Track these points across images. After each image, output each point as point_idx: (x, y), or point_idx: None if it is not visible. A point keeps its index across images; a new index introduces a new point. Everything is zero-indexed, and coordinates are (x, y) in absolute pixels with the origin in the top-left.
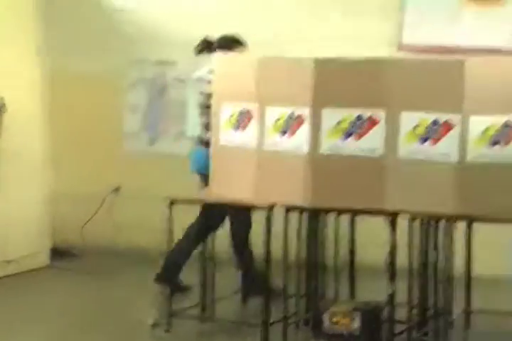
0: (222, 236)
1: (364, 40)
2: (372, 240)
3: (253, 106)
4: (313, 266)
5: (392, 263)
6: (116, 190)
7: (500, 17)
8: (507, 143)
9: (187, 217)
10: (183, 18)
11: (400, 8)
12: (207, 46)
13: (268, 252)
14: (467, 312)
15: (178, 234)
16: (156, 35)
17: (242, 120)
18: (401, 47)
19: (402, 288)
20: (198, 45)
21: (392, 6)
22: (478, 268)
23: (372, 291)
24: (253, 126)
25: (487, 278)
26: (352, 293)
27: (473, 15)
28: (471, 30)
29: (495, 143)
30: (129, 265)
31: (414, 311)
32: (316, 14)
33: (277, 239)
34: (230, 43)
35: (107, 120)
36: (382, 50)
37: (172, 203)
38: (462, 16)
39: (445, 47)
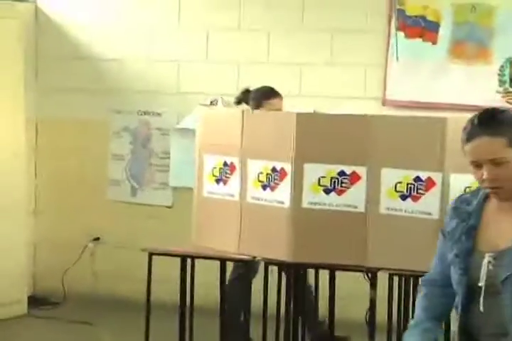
0: None
1: (349, 92)
2: (353, 294)
3: (236, 159)
4: (292, 320)
5: (371, 320)
6: (98, 238)
7: (486, 75)
8: None
9: (166, 267)
10: (170, 69)
11: (385, 62)
12: (246, 97)
13: (248, 305)
14: None
15: (158, 285)
16: (141, 85)
17: (225, 172)
18: (385, 102)
19: None
20: (238, 96)
21: (377, 60)
22: None
23: None
24: (236, 179)
25: None
26: None
27: (459, 72)
28: (456, 86)
29: None
30: (109, 314)
31: None
32: (300, 66)
33: (258, 292)
34: (266, 94)
35: (91, 168)
36: (367, 104)
37: (151, 255)
38: (448, 72)
39: (429, 104)
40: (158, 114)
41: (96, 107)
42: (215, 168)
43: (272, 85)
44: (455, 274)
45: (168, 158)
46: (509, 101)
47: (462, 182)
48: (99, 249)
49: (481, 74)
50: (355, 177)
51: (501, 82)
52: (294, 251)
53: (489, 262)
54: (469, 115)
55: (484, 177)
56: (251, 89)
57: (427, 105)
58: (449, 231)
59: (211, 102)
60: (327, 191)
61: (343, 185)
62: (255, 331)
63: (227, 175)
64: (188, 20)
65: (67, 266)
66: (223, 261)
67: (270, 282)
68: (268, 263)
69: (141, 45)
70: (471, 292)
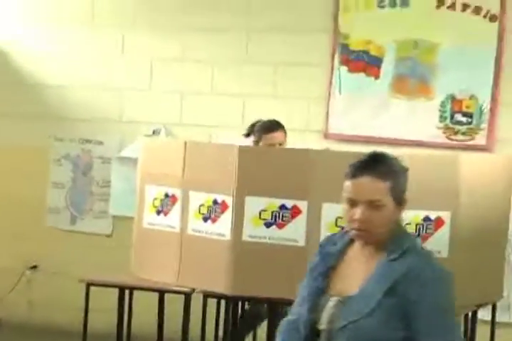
0: None
1: (292, 125)
2: None
3: (178, 191)
4: None
5: None
6: (35, 266)
7: (427, 110)
8: (425, 238)
9: (104, 297)
10: (113, 98)
11: (328, 95)
12: (253, 129)
13: (185, 337)
14: None
15: (95, 314)
16: (84, 113)
17: (166, 204)
18: (327, 135)
19: None
20: (247, 129)
21: (321, 93)
22: None
23: None
24: (177, 210)
25: None
26: None
27: (400, 107)
28: (397, 121)
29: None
30: None
31: None
32: (244, 98)
33: (197, 325)
34: (266, 128)
35: (31, 195)
36: (310, 137)
37: (89, 285)
38: (390, 107)
39: (371, 138)
40: (100, 143)
41: (37, 134)
42: (156, 198)
43: (215, 116)
44: (303, 312)
45: (109, 186)
46: (450, 137)
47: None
48: (36, 277)
49: (422, 109)
50: (296, 211)
51: (442, 118)
52: (234, 283)
53: (334, 306)
54: (410, 150)
55: (356, 217)
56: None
57: (369, 139)
58: (311, 268)
59: (154, 131)
60: (268, 224)
61: (284, 218)
62: None
63: (168, 207)
64: (132, 49)
65: (3, 293)
66: (162, 293)
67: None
68: (207, 295)
69: (85, 73)
70: (313, 334)
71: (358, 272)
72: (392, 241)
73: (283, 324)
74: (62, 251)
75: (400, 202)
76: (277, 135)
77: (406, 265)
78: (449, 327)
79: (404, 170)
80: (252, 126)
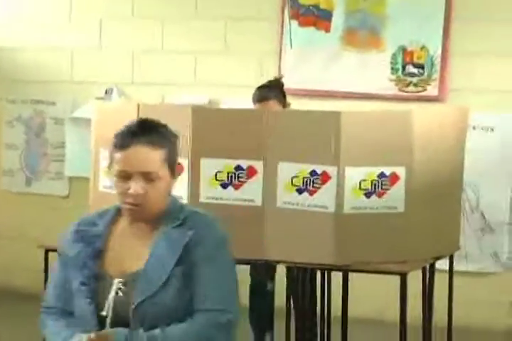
0: None
1: (244, 81)
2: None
3: None
4: None
5: (271, 312)
6: None
7: (379, 62)
8: (381, 194)
9: None
10: (64, 58)
11: (280, 50)
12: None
13: None
14: None
15: None
16: (35, 74)
17: None
18: None
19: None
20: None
21: (272, 48)
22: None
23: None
24: None
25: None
26: None
27: (351, 60)
28: (349, 74)
29: (370, 194)
30: (2, 305)
31: None
32: (195, 54)
33: None
34: (257, 97)
35: None
36: None
37: (48, 251)
38: (341, 60)
39: (323, 92)
40: (53, 103)
41: None
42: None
43: (167, 74)
44: (82, 304)
45: (64, 147)
46: (402, 89)
47: (357, 175)
48: None
49: (373, 62)
50: (252, 172)
51: (393, 70)
52: None
53: (119, 289)
54: (362, 105)
55: (130, 191)
56: (279, 79)
57: (321, 93)
58: (73, 257)
59: (106, 91)
60: (224, 185)
61: (240, 179)
62: None
63: None
64: (80, 9)
65: None
66: None
67: None
68: None
69: (35, 35)
70: (100, 323)
71: (136, 248)
72: (169, 212)
73: (43, 314)
74: (19, 213)
75: (173, 172)
76: (269, 105)
77: (190, 230)
78: (227, 293)
79: (176, 138)
80: (269, 82)
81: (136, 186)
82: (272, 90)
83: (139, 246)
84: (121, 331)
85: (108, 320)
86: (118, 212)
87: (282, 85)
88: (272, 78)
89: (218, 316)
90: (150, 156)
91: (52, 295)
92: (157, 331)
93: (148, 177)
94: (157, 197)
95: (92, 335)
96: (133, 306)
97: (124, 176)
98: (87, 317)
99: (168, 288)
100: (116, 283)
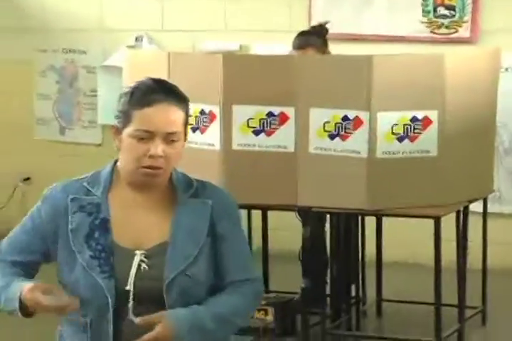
0: None
1: (274, 26)
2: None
3: None
4: None
5: (305, 258)
6: (27, 179)
7: (409, 5)
8: (413, 139)
9: None
10: (93, 6)
11: None
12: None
13: None
14: (379, 301)
15: None
16: (65, 23)
17: None
18: None
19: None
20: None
21: None
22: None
23: (287, 279)
24: None
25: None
26: (265, 281)
27: (382, 3)
28: (380, 17)
29: (402, 138)
30: None
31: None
32: (224, 1)
33: None
34: (297, 45)
35: (18, 108)
36: (291, 38)
37: None
38: (371, 3)
39: (355, 35)
40: (84, 52)
41: (19, 46)
42: None
43: (197, 20)
44: (96, 280)
45: (96, 96)
46: (433, 31)
47: (389, 120)
48: (30, 189)
49: (404, 4)
50: (283, 118)
51: (425, 12)
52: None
53: (142, 261)
54: (394, 47)
55: (153, 152)
56: (323, 25)
57: (353, 37)
58: (74, 229)
59: (136, 38)
60: (256, 132)
61: (272, 126)
62: None
63: None
64: None
65: None
66: None
67: None
68: None
69: None
70: (120, 299)
71: (150, 219)
72: (178, 180)
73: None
74: (54, 162)
75: (186, 136)
76: (307, 52)
77: (210, 199)
78: (252, 262)
79: (189, 101)
80: (313, 28)
81: (158, 148)
82: (311, 37)
83: (154, 217)
84: (182, 314)
85: (131, 296)
86: (111, 177)
87: (326, 32)
88: (316, 24)
89: (259, 285)
90: (176, 115)
91: (13, 248)
92: (214, 308)
93: (171, 138)
94: (176, 160)
95: (140, 320)
96: (167, 281)
97: (145, 137)
98: (102, 293)
99: (199, 261)
100: (139, 255)
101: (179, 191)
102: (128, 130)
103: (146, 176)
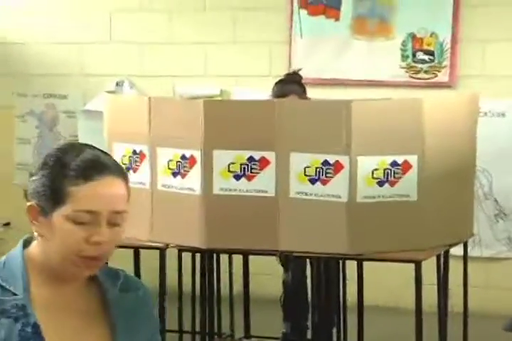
0: None
1: (254, 71)
2: (268, 272)
3: (145, 147)
4: (208, 303)
5: (286, 303)
6: (7, 224)
7: (389, 50)
8: (393, 183)
9: None
10: (74, 51)
11: (290, 39)
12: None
13: (163, 291)
14: None
15: None
16: (46, 68)
17: (135, 161)
18: None
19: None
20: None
21: (282, 38)
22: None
23: (268, 324)
24: (146, 167)
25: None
26: (247, 327)
27: (361, 48)
28: (359, 62)
29: (383, 183)
30: None
31: None
32: (205, 45)
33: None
34: (279, 93)
35: None
36: (274, 82)
37: None
38: (351, 48)
39: (334, 80)
40: (64, 97)
41: (0, 92)
42: (124, 156)
43: (177, 66)
44: None
45: (77, 140)
46: (412, 75)
47: (369, 164)
48: (9, 235)
49: (383, 49)
50: (264, 163)
51: (404, 57)
52: (207, 237)
53: None
54: (374, 92)
55: (98, 239)
56: (297, 72)
57: (332, 82)
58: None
59: (117, 83)
60: (237, 177)
61: (253, 170)
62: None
63: (137, 164)
64: (89, 2)
65: None
66: (136, 249)
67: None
68: (181, 250)
69: (43, 28)
70: None
71: (85, 323)
72: (102, 269)
73: None
74: None
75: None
76: (291, 99)
77: (137, 291)
78: None
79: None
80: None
81: (104, 232)
82: (291, 85)
83: (88, 319)
84: None
85: None
86: (25, 267)
87: (300, 78)
88: (290, 71)
89: None
90: (123, 190)
91: None
92: None
93: (117, 219)
94: (116, 245)
95: None
96: None
97: (86, 220)
98: None
99: None
100: None
101: (106, 284)
102: (62, 211)
103: (82, 268)
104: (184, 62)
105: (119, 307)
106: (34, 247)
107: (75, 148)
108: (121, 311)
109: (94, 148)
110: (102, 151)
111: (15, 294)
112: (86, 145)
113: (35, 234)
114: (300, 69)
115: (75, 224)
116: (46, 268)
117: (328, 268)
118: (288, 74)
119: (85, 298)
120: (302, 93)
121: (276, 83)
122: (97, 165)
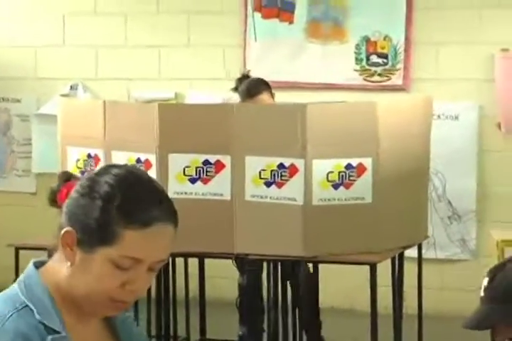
0: None
1: (209, 74)
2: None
3: (100, 151)
4: (162, 305)
5: (242, 306)
6: None
7: (343, 53)
8: (348, 186)
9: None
10: (27, 55)
11: (244, 43)
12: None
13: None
14: None
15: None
16: None
17: (90, 164)
18: None
19: None
20: (236, 83)
21: (236, 41)
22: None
23: (224, 327)
24: None
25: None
26: (202, 330)
27: (316, 51)
28: (314, 65)
29: (338, 185)
30: None
31: None
32: (159, 49)
33: None
34: (249, 92)
35: None
36: (228, 85)
37: (18, 249)
38: (305, 51)
39: (289, 83)
40: (18, 100)
41: None
42: (79, 160)
43: (131, 69)
44: None
45: (30, 144)
46: (366, 78)
47: (324, 167)
48: None
49: (337, 52)
50: (219, 166)
51: (358, 60)
52: None
53: None
54: (328, 95)
55: (136, 288)
56: (248, 74)
57: (287, 85)
58: None
59: (71, 87)
60: (193, 180)
61: (209, 174)
62: None
63: (92, 167)
64: (43, 5)
65: None
66: None
67: None
68: None
69: None
70: None
71: None
72: None
73: None
74: None
75: None
76: (262, 98)
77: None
78: None
79: None
80: (239, 80)
81: (143, 278)
82: (262, 84)
83: None
84: None
85: None
86: (52, 298)
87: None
88: (238, 74)
89: None
90: (172, 238)
91: None
92: None
93: (158, 266)
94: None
95: None
96: None
97: (128, 264)
98: None
99: None
100: None
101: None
102: (106, 251)
103: (109, 309)
104: (139, 65)
105: (124, 330)
106: (55, 271)
107: (136, 181)
108: (126, 334)
109: (154, 182)
110: (162, 189)
111: (58, 333)
112: (146, 176)
113: (56, 256)
114: (249, 71)
115: (115, 267)
116: (69, 295)
117: (284, 270)
118: (239, 78)
119: (102, 327)
120: (271, 92)
121: (244, 84)
122: (158, 209)
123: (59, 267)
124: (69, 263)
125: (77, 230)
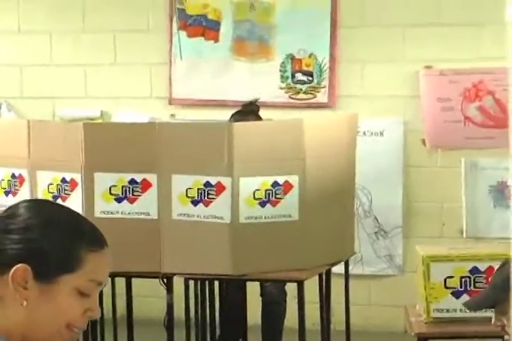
0: None
1: (135, 93)
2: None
3: (24, 171)
4: (89, 325)
5: (170, 324)
6: None
7: (268, 71)
8: (275, 203)
9: None
10: None
11: (170, 61)
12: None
13: None
14: None
15: None
16: None
17: (14, 184)
18: (171, 101)
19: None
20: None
21: (162, 59)
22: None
23: None
24: (26, 191)
25: None
26: None
27: (242, 69)
28: (240, 83)
29: (264, 203)
30: None
31: None
32: (84, 67)
33: None
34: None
35: None
36: (154, 104)
37: None
38: (231, 70)
39: (215, 101)
40: None
41: None
42: (3, 180)
43: (57, 88)
44: None
45: None
46: (292, 96)
47: (251, 185)
48: None
49: (263, 70)
50: (146, 185)
51: (283, 78)
52: None
53: None
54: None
55: (95, 314)
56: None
57: (213, 103)
58: None
59: None
60: (119, 199)
61: (135, 193)
62: None
63: (17, 187)
64: None
65: None
66: None
67: None
68: None
69: None
70: None
71: None
72: None
73: None
74: None
75: None
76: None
77: None
78: None
79: None
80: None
81: (96, 303)
82: (249, 116)
83: None
84: None
85: None
86: None
87: (258, 108)
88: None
89: None
90: None
91: None
92: None
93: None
94: None
95: None
96: None
97: (91, 290)
98: None
99: None
100: None
101: None
102: (71, 279)
103: (66, 338)
104: (64, 83)
105: None
106: (6, 317)
107: (71, 209)
108: None
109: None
110: None
111: None
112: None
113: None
114: (257, 100)
115: (79, 295)
116: (26, 338)
117: (212, 288)
118: (245, 105)
119: None
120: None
121: (233, 114)
122: (100, 232)
123: (5, 315)
124: (25, 303)
125: (32, 266)
